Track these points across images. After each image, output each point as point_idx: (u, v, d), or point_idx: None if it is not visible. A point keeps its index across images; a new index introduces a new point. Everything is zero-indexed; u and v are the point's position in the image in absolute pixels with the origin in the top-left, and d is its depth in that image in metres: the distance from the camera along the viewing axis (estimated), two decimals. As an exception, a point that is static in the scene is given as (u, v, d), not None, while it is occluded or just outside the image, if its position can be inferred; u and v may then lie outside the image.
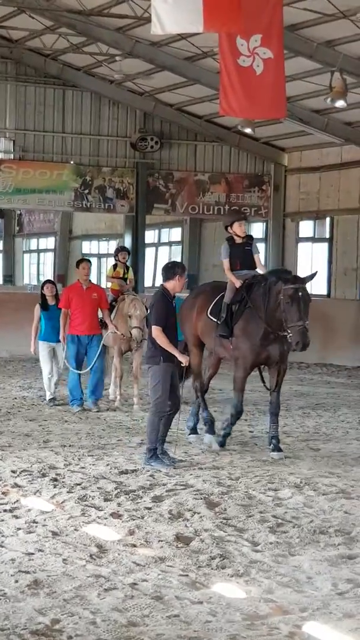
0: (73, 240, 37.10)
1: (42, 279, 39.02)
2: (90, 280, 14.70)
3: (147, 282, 28.69)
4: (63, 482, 9.38)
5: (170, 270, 10.58)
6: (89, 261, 15.04)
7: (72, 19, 20.31)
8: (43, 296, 14.82)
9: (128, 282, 15.36)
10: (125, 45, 20.73)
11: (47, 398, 14.74)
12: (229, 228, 11.88)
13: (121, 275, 15.38)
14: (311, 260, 25.32)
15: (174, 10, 12.34)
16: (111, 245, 35.04)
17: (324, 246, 24.95)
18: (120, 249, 16.08)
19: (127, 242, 27.21)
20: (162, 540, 7.44)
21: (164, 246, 32.71)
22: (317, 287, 24.38)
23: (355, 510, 8.57)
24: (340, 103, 18.15)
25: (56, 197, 25.50)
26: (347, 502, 8.89)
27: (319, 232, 25.35)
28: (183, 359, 10.38)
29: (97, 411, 14.06)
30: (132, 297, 14.56)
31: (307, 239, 25.71)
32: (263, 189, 26.26)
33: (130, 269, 15.76)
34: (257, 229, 27.74)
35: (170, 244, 32.20)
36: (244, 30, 13.73)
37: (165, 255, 32.57)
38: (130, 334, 14.24)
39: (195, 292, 12.65)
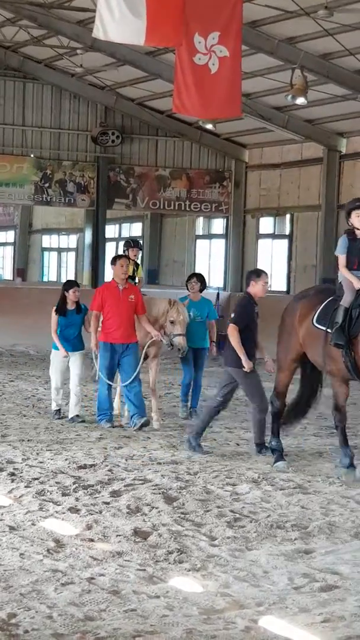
0: (33, 234, 36.96)
1: (1, 272, 39.03)
2: (127, 280, 12.66)
3: (108, 277, 28.64)
4: (21, 476, 9.35)
5: (248, 276, 11.11)
6: (128, 257, 13.07)
7: (33, 11, 20.20)
8: (63, 299, 12.91)
9: (138, 281, 13.79)
10: (86, 39, 20.64)
11: (53, 409, 13.09)
12: (348, 219, 10.04)
13: (130, 274, 13.21)
14: (271, 257, 25.42)
15: (117, 21, 12.35)
16: (71, 240, 34.99)
17: (284, 243, 25.06)
18: (132, 244, 14.09)
19: (88, 236, 27.16)
20: (119, 535, 7.44)
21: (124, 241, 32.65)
22: (277, 283, 24.50)
23: (312, 505, 8.63)
24: (300, 100, 18.23)
25: (16, 191, 25.35)
26: (304, 497, 8.95)
27: (279, 229, 25.46)
28: (247, 365, 10.48)
29: (142, 424, 12.15)
30: (173, 300, 12.86)
31: (267, 236, 25.81)
32: (224, 185, 26.31)
33: (141, 266, 14.07)
34: (218, 225, 27.81)
35: (130, 239, 32.13)
36: (182, 44, 13.85)
37: (126, 250, 32.52)
38: (172, 343, 12.60)
39: (297, 297, 10.96)
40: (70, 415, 12.77)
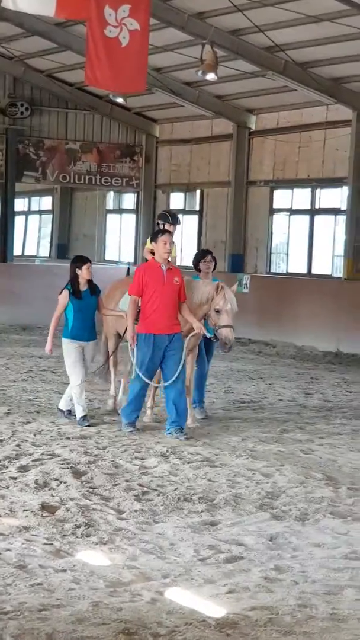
0: None
1: None
2: (169, 260, 10.80)
3: (17, 251, 28.37)
4: None
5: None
6: (171, 234, 10.89)
7: None
8: (75, 278, 11.04)
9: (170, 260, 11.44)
10: (-6, 9, 20.26)
11: (79, 415, 10.93)
12: None
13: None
14: (181, 233, 25.46)
15: None
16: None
17: (194, 218, 25.14)
18: (170, 216, 11.59)
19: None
20: (27, 510, 7.43)
21: (34, 214, 32.37)
22: (187, 259, 24.56)
23: (218, 478, 8.75)
24: (211, 76, 18.25)
25: None
26: (211, 470, 9.06)
27: (190, 204, 25.53)
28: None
29: (186, 438, 10.44)
30: (220, 284, 10.89)
31: (177, 211, 25.83)
32: (135, 160, 26.24)
33: (175, 245, 11.22)
34: (129, 200, 27.74)
35: (40, 212, 31.90)
36: (92, 18, 13.79)
37: (36, 224, 32.26)
38: (215, 335, 10.91)
39: None
40: (62, 407, 11.27)
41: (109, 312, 11.24)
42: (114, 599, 5.70)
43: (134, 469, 8.99)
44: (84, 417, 10.93)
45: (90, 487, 8.22)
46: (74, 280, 11.03)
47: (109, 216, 28.44)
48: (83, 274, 10.99)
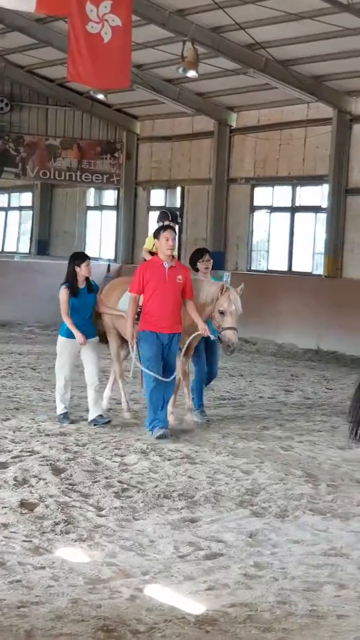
0: None
1: None
2: (174, 257, 10.55)
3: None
4: None
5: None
6: (174, 230, 10.66)
7: None
8: (73, 275, 10.83)
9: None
10: (-26, 4, 20.17)
11: (59, 412, 10.89)
12: None
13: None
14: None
15: None
16: None
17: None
18: (171, 216, 11.47)
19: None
20: (5, 507, 7.40)
21: (13, 211, 32.23)
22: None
23: (198, 475, 8.75)
24: (191, 73, 18.24)
25: None
26: (191, 466, 9.06)
27: (170, 202, 25.50)
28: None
29: (158, 436, 10.26)
30: (225, 285, 10.76)
31: (158, 208, 25.79)
32: (115, 157, 26.17)
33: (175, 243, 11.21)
34: (109, 197, 27.68)
35: (20, 208, 31.76)
36: (72, 13, 13.78)
37: (15, 220, 32.14)
38: (219, 337, 10.69)
39: None
40: (91, 417, 10.85)
41: (107, 310, 11.02)
42: (93, 595, 5.68)
43: (113, 465, 8.98)
44: (64, 415, 10.84)
45: (69, 484, 8.19)
46: (72, 277, 10.80)
47: (90, 213, 28.37)
48: (82, 271, 10.76)
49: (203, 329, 10.40)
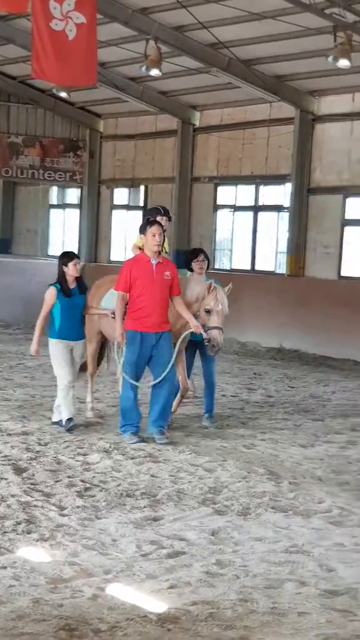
0: None
1: None
2: (160, 253, 10.32)
3: None
4: None
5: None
6: (161, 225, 10.32)
7: None
8: (63, 276, 10.49)
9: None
10: None
11: (65, 418, 10.41)
12: None
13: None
14: (125, 228, 25.44)
15: None
16: None
17: (138, 214, 25.09)
18: (163, 211, 11.17)
19: None
20: (-33, 507, 7.36)
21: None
22: (131, 254, 24.51)
23: (161, 474, 8.76)
24: (155, 72, 18.22)
25: None
26: (154, 465, 9.07)
27: (134, 200, 25.48)
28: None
29: (165, 442, 10.00)
30: (212, 284, 10.46)
31: (121, 207, 25.79)
32: (78, 155, 26.09)
33: (167, 239, 10.97)
34: (72, 195, 27.60)
35: (-18, 207, 31.53)
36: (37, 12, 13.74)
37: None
38: (203, 336, 10.34)
39: None
40: (57, 418, 10.60)
41: (93, 310, 10.76)
42: (55, 595, 5.67)
43: (76, 465, 8.96)
44: (69, 420, 10.38)
45: (31, 484, 8.17)
46: (61, 278, 10.45)
47: (52, 211, 28.27)
48: (70, 271, 10.44)
49: (195, 326, 10.16)
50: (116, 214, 25.95)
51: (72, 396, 10.50)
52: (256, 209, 21.66)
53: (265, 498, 8.05)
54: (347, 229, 19.54)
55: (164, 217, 10.91)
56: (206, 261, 11.31)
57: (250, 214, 21.80)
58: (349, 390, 14.73)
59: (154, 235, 10.05)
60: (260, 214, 21.57)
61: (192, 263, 11.26)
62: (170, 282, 10.12)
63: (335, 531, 7.23)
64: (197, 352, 11.20)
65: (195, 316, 10.31)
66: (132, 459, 9.29)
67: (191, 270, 11.27)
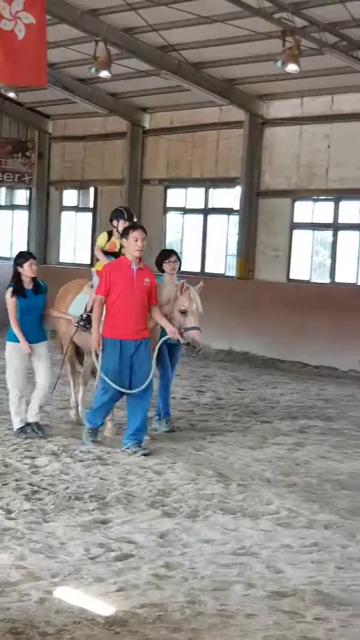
0: None
1: None
2: (141, 259, 9.94)
3: None
4: None
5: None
6: (144, 230, 10.09)
7: None
8: (18, 276, 10.19)
9: None
10: None
11: (16, 426, 10.22)
12: None
13: (116, 249, 10.79)
14: (75, 230, 25.35)
15: None
16: None
17: (88, 216, 25.03)
18: (127, 214, 10.90)
19: None
20: None
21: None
22: (81, 256, 24.49)
23: (110, 476, 8.73)
24: (104, 73, 18.21)
25: None
26: (103, 468, 9.04)
27: (83, 202, 25.40)
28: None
29: (146, 453, 9.67)
30: (184, 284, 10.16)
31: (71, 208, 25.70)
32: (27, 156, 25.93)
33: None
34: (21, 197, 27.43)
35: None
36: None
37: None
38: (181, 337, 10.03)
39: None
40: (28, 420, 10.27)
41: (55, 313, 10.54)
42: (2, 599, 5.63)
43: (24, 468, 8.90)
44: (21, 429, 10.17)
45: (-21, 487, 8.10)
46: (16, 278, 10.15)
47: (1, 212, 28.06)
48: (25, 271, 10.14)
49: (173, 333, 9.87)
50: (65, 216, 25.85)
51: (24, 404, 10.24)
52: (206, 211, 21.72)
53: (214, 500, 8.07)
54: (295, 232, 19.69)
55: (127, 222, 10.65)
56: (178, 262, 11.07)
57: (200, 216, 21.86)
58: (297, 392, 14.84)
59: (136, 240, 9.77)
60: (210, 217, 21.63)
61: (164, 264, 11.04)
62: (149, 289, 9.85)
63: (283, 533, 7.27)
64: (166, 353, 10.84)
65: (169, 318, 10.02)
66: (80, 461, 9.25)
67: (162, 271, 11.05)
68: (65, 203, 25.75)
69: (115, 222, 10.85)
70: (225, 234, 21.29)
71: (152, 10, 16.98)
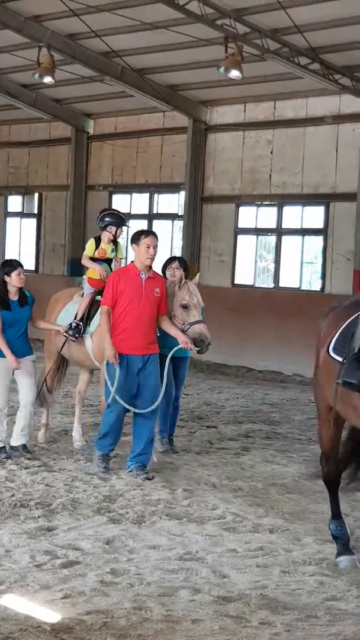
0: None
1: None
2: (151, 268, 9.23)
3: None
4: None
5: None
6: (156, 235, 9.30)
7: None
8: (3, 286, 9.54)
9: (114, 265, 10.35)
10: None
11: None
12: None
13: (106, 256, 10.35)
14: (20, 236, 25.24)
15: None
16: None
17: (33, 222, 24.94)
18: (117, 220, 10.40)
19: None
20: None
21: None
22: (25, 262, 24.31)
23: (56, 483, 8.72)
24: (48, 79, 18.21)
25: None
26: (49, 474, 9.03)
27: (28, 208, 25.30)
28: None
29: (148, 477, 9.05)
30: (183, 279, 9.62)
31: (15, 214, 25.58)
32: (-29, 162, 25.76)
33: (120, 246, 10.52)
34: (-35, 202, 27.24)
35: None
36: None
37: None
38: (190, 338, 9.39)
39: (330, 309, 7.15)
40: (13, 443, 9.70)
41: (43, 324, 10.00)
42: None
43: (-31, 476, 8.85)
44: (1, 449, 9.62)
45: None
46: (2, 288, 9.48)
47: None
48: (13, 281, 9.49)
49: (184, 342, 9.19)
50: (10, 222, 25.72)
51: (4, 423, 9.67)
52: (150, 217, 21.77)
53: (160, 506, 8.10)
54: (239, 237, 19.83)
55: (116, 226, 10.25)
56: (181, 270, 10.25)
57: (145, 222, 21.89)
58: (242, 397, 14.93)
59: (148, 247, 8.98)
60: (155, 222, 21.68)
61: (166, 270, 10.48)
62: (159, 300, 9.16)
63: (229, 537, 7.33)
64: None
65: (172, 316, 9.41)
66: (26, 468, 9.23)
67: (165, 278, 10.14)
68: (10, 209, 25.63)
69: (111, 229, 10.29)
70: (169, 239, 21.36)
71: (95, 16, 16.99)
